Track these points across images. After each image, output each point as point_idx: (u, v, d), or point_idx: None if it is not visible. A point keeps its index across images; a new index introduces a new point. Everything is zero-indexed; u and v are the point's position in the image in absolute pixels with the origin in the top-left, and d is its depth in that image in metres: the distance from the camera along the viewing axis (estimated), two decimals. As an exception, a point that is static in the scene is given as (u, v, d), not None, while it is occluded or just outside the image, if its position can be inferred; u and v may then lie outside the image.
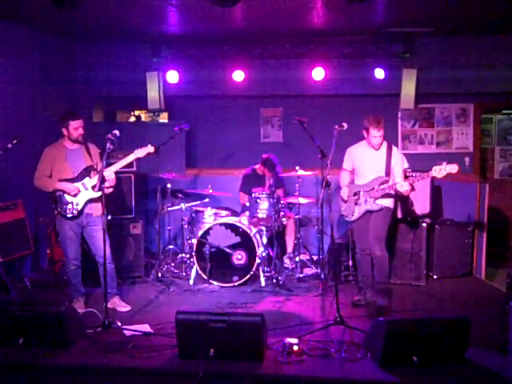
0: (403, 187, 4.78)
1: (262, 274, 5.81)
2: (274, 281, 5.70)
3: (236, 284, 5.77)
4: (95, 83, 7.56)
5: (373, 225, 5.02)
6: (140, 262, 6.16)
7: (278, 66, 7.45)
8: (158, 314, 4.98)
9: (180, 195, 6.46)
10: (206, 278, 5.79)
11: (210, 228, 5.87)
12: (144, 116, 9.44)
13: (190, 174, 7.48)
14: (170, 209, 6.44)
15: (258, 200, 5.97)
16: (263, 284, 5.76)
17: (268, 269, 5.88)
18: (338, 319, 4.44)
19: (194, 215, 6.35)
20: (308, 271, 6.26)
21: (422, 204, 6.00)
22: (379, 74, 7.15)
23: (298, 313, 5.02)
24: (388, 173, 4.99)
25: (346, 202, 5.16)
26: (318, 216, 5.91)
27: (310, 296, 5.50)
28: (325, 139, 5.04)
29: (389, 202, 5.05)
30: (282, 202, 6.07)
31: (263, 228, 5.97)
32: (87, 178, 4.94)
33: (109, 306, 4.77)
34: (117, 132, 4.69)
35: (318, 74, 7.19)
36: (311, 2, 5.34)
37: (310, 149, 5.59)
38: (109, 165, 4.87)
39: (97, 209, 4.99)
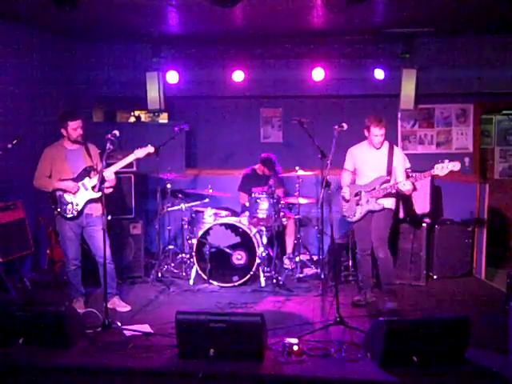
0: (405, 186, 4.77)
1: (262, 274, 5.81)
2: (274, 281, 5.70)
3: (236, 284, 5.77)
4: (95, 83, 7.55)
5: (375, 226, 5.01)
6: (140, 262, 6.16)
7: (278, 66, 7.45)
8: (158, 314, 4.99)
9: (180, 195, 6.46)
10: (206, 278, 5.79)
11: (210, 228, 5.87)
12: (144, 116, 9.43)
13: (190, 174, 7.48)
14: (170, 209, 6.44)
15: (258, 200, 5.97)
16: (263, 284, 5.76)
17: (268, 269, 5.89)
18: (338, 319, 4.45)
19: (193, 215, 6.35)
20: (308, 271, 6.26)
21: (422, 204, 6.00)
22: (379, 74, 7.15)
23: (298, 313, 5.01)
24: (389, 172, 4.98)
25: (347, 202, 5.16)
26: (318, 216, 5.91)
27: (310, 296, 5.50)
28: (325, 139, 5.04)
29: (390, 203, 5.03)
30: (281, 202, 6.07)
31: (263, 228, 5.97)
32: (87, 178, 4.94)
33: (109, 306, 4.77)
34: (117, 132, 4.69)
35: (318, 74, 7.19)
36: (311, 1, 5.34)
37: (309, 149, 5.60)
38: (109, 165, 4.86)
39: (97, 209, 4.99)
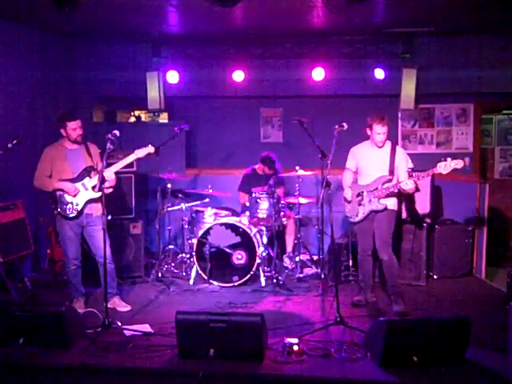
0: (408, 185, 4.75)
1: (262, 274, 5.81)
2: (274, 281, 5.70)
3: (236, 284, 5.77)
4: (95, 83, 7.55)
5: (378, 228, 4.97)
6: (140, 262, 6.16)
7: (278, 66, 7.44)
8: (158, 313, 4.99)
9: (180, 195, 6.46)
10: (206, 277, 5.79)
11: (210, 228, 5.87)
12: (144, 116, 9.44)
13: (190, 174, 7.48)
14: (170, 209, 6.45)
15: (258, 200, 5.97)
16: (263, 284, 5.76)
17: (268, 269, 5.89)
18: (338, 319, 4.44)
19: (194, 215, 6.35)
20: (308, 271, 6.26)
21: (422, 204, 5.99)
22: (379, 74, 7.14)
23: (298, 313, 5.01)
24: (391, 171, 4.95)
25: (349, 202, 5.14)
26: (318, 216, 5.90)
27: (310, 296, 5.50)
28: (325, 139, 5.04)
29: (393, 204, 5.00)
30: (282, 201, 6.07)
31: (263, 228, 5.98)
32: (87, 178, 4.94)
33: (109, 305, 4.77)
34: (117, 132, 4.69)
35: (318, 74, 7.18)
36: (311, 1, 5.34)
37: (310, 149, 5.60)
38: (109, 165, 4.86)
39: (97, 209, 4.99)
